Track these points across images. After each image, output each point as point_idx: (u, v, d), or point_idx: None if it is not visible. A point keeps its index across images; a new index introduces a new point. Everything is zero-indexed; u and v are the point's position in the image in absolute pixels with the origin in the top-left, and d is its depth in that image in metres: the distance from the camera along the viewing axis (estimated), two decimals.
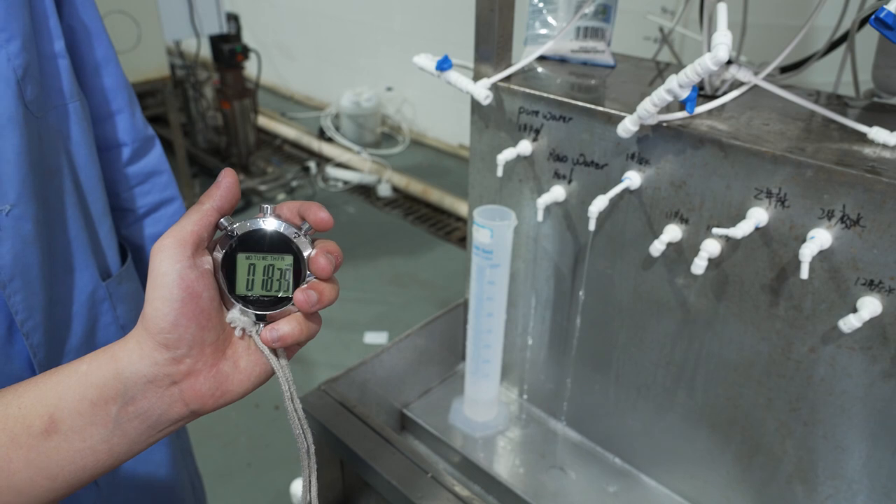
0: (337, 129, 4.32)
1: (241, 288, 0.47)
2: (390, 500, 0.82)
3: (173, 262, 0.43)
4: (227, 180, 0.47)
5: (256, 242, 0.47)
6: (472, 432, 1.03)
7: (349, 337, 2.58)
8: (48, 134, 0.71)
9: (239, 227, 0.47)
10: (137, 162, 0.91)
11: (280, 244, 0.47)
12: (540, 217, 0.87)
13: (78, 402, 0.43)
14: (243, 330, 0.48)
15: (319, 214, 0.48)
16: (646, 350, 0.88)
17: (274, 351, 0.48)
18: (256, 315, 0.48)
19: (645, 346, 0.88)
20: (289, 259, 0.47)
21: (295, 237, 0.47)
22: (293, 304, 0.48)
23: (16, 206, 0.67)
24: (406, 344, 1.05)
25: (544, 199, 0.86)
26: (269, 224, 0.47)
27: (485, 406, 1.04)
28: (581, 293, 0.92)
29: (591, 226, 0.79)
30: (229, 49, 3.31)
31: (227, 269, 0.47)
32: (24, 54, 0.66)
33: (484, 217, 0.90)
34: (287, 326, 0.48)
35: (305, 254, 0.47)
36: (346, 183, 3.83)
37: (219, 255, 0.47)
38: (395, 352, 1.03)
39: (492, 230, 0.89)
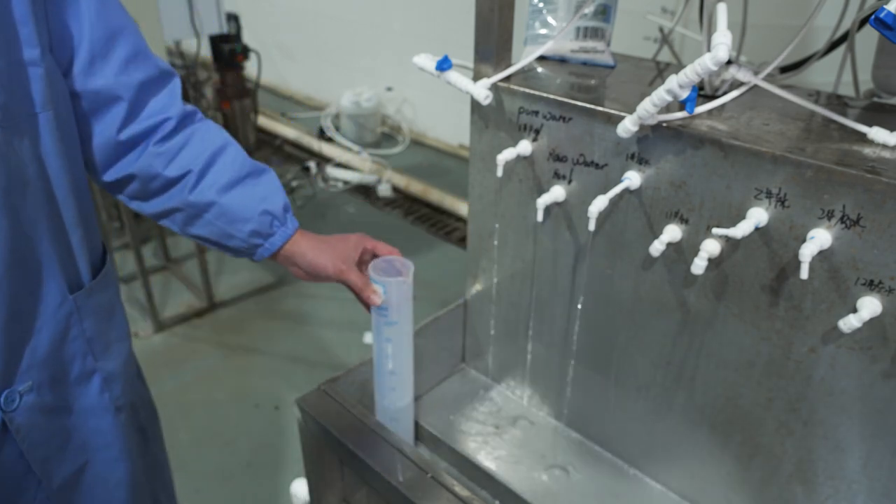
0: (337, 129, 4.33)
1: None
2: (390, 500, 0.82)
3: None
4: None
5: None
6: None
7: (349, 337, 2.58)
8: (18, 144, 0.69)
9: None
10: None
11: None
12: (540, 217, 0.87)
13: None
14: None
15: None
16: (646, 350, 0.88)
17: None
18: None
19: (645, 346, 0.88)
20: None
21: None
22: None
23: None
24: None
25: (544, 200, 0.86)
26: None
27: None
28: (581, 293, 0.92)
29: (591, 226, 0.79)
30: (229, 49, 3.31)
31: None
32: None
33: (378, 271, 0.87)
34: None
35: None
36: (346, 183, 3.83)
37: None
38: None
39: (384, 286, 0.86)
